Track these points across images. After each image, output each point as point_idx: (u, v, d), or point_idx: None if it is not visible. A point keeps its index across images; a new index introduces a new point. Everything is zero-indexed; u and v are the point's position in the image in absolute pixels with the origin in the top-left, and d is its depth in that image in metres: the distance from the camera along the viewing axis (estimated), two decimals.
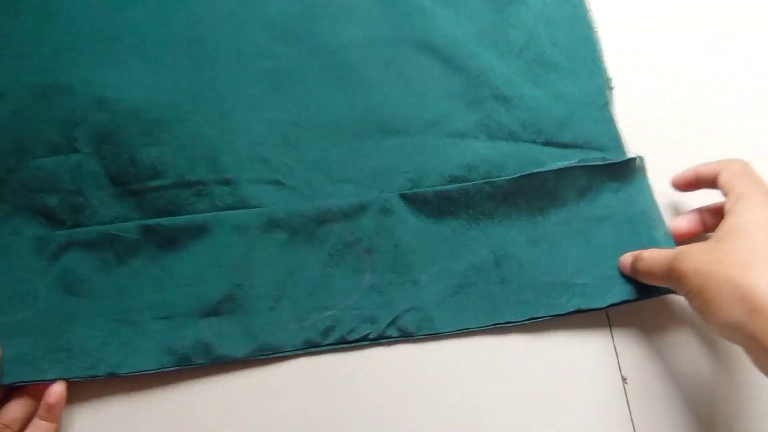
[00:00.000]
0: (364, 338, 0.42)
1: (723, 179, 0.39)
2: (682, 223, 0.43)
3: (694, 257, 0.35)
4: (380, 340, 0.43)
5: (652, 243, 0.43)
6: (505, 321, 0.43)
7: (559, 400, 0.41)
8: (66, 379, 0.41)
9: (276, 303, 0.43)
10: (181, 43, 0.48)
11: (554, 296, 0.43)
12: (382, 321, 0.43)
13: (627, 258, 0.42)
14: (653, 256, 0.39)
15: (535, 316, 0.43)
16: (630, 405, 0.41)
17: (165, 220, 0.44)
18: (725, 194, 0.39)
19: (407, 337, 0.43)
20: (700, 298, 0.34)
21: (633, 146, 0.46)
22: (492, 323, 0.43)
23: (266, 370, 0.42)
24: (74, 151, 0.45)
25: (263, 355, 0.42)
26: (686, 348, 0.42)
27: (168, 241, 0.44)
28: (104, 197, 0.45)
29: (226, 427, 0.41)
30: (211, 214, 0.44)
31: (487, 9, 0.50)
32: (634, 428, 0.41)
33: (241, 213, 0.44)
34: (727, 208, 0.37)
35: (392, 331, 0.43)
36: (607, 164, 0.45)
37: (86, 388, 0.42)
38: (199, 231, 0.44)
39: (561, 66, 0.48)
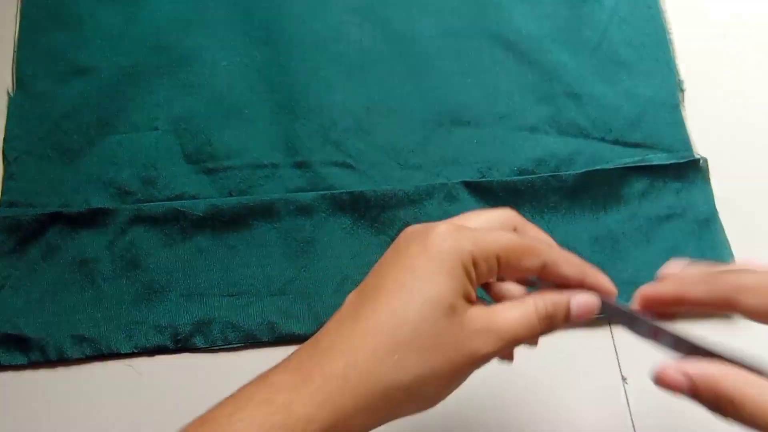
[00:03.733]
0: None
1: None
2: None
3: None
4: None
5: (711, 247, 0.43)
6: None
7: (559, 400, 0.41)
8: (137, 352, 0.42)
9: (339, 285, 0.43)
10: (259, 29, 0.50)
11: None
12: None
13: (677, 380, 0.25)
14: (751, 391, 0.24)
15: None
16: (630, 405, 0.41)
17: (231, 200, 0.44)
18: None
19: None
20: None
21: (701, 149, 0.46)
22: None
23: None
24: (154, 129, 0.47)
25: None
26: None
27: (233, 220, 0.44)
28: (177, 173, 0.46)
29: None
30: (277, 195, 0.45)
31: (561, 6, 0.50)
32: (634, 428, 0.40)
33: (307, 195, 0.45)
34: None
35: None
36: (670, 164, 0.45)
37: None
38: (266, 212, 0.44)
39: (633, 66, 0.48)
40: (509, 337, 0.27)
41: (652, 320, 0.28)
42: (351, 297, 0.28)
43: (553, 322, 0.29)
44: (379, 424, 0.26)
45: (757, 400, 0.23)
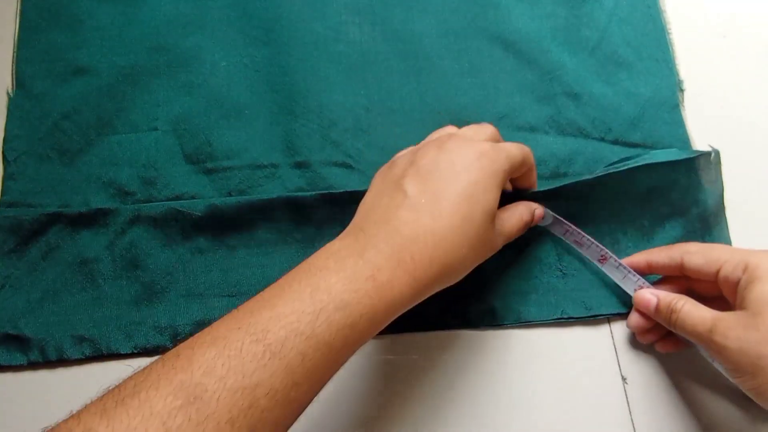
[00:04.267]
0: (423, 323, 0.42)
1: (705, 258, 0.38)
2: (636, 322, 0.41)
3: (735, 333, 0.34)
4: (440, 327, 0.43)
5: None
6: (567, 317, 0.42)
7: (559, 400, 0.41)
8: (136, 352, 0.42)
9: None
10: (259, 29, 0.50)
11: (615, 295, 0.43)
12: (445, 308, 0.43)
13: (650, 298, 0.40)
14: (689, 317, 0.37)
15: (597, 313, 0.43)
16: (630, 405, 0.41)
17: (231, 200, 0.44)
18: (717, 267, 0.37)
19: (469, 327, 0.43)
20: (752, 380, 0.34)
21: (701, 148, 0.45)
22: (554, 317, 0.43)
23: None
24: (153, 130, 0.47)
25: None
26: (686, 348, 0.42)
27: (233, 220, 0.44)
28: (177, 173, 0.46)
29: None
30: (276, 195, 0.44)
31: (560, 6, 0.50)
32: (634, 428, 0.40)
33: (307, 195, 0.44)
34: (742, 277, 0.36)
35: (452, 319, 0.43)
36: (677, 161, 0.43)
37: None
38: (266, 212, 0.44)
39: (633, 65, 0.48)
40: (510, 237, 0.39)
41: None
42: (413, 189, 0.34)
43: (528, 226, 0.40)
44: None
45: (690, 310, 0.37)
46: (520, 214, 0.39)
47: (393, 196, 0.34)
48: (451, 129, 0.40)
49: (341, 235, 0.34)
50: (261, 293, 0.32)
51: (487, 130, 0.39)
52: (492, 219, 0.35)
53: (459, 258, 0.34)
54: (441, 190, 0.34)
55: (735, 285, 0.36)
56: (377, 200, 0.35)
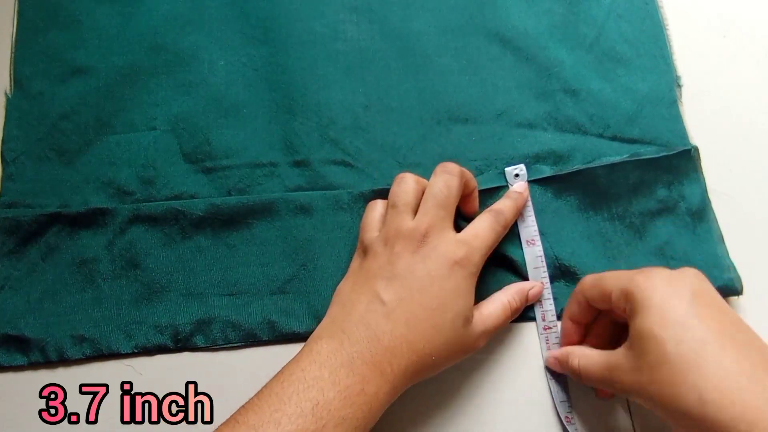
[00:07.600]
0: None
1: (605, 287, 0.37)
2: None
3: (628, 378, 0.34)
4: None
5: (706, 240, 0.43)
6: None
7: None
8: (137, 352, 0.42)
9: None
10: (257, 28, 0.50)
11: None
12: None
13: (553, 362, 0.41)
14: (586, 363, 0.37)
15: None
16: (630, 405, 0.41)
17: (231, 199, 0.45)
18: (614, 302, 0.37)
19: None
20: (663, 414, 0.33)
21: (699, 144, 0.46)
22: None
23: None
24: (152, 129, 0.47)
25: None
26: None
27: (233, 219, 0.44)
28: (176, 172, 0.46)
29: None
30: (277, 194, 0.45)
31: (558, 3, 0.50)
32: (634, 428, 0.40)
33: (307, 195, 0.45)
34: (627, 307, 0.35)
35: None
36: (660, 157, 0.44)
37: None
38: (265, 211, 0.45)
39: (631, 62, 0.48)
40: (495, 330, 0.39)
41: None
42: (388, 296, 0.36)
43: (519, 310, 0.41)
44: None
45: (583, 361, 0.37)
46: (506, 303, 0.40)
47: (371, 301, 0.37)
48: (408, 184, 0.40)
49: (325, 333, 0.36)
50: (257, 400, 0.33)
51: (453, 196, 0.39)
52: (466, 321, 0.37)
53: (430, 364, 0.36)
54: (415, 299, 0.36)
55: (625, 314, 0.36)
56: (354, 296, 0.37)
